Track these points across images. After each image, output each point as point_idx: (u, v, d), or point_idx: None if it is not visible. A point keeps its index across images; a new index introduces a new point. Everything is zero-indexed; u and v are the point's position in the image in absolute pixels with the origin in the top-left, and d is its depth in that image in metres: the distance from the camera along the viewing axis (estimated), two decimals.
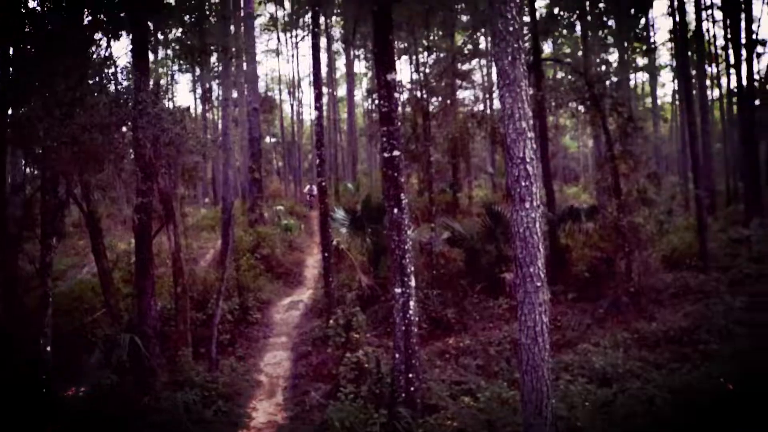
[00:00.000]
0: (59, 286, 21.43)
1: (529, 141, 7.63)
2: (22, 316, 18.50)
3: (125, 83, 14.86)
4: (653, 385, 11.51)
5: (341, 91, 57.34)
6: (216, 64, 32.28)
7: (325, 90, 39.14)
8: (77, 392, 14.21)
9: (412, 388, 11.88)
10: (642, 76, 52.94)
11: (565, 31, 37.99)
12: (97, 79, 14.52)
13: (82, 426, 12.35)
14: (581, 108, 20.45)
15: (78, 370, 17.28)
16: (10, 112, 17.21)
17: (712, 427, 9.82)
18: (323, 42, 38.76)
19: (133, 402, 13.21)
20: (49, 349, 12.42)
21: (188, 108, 40.52)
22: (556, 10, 31.59)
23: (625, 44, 37.81)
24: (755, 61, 34.00)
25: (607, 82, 22.23)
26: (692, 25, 34.39)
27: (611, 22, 34.96)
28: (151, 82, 15.24)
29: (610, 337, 14.93)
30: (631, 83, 46.41)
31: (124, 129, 14.49)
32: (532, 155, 7.66)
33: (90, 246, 20.78)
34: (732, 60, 31.63)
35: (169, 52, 32.06)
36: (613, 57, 42.01)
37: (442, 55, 28.79)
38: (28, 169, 23.53)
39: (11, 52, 13.78)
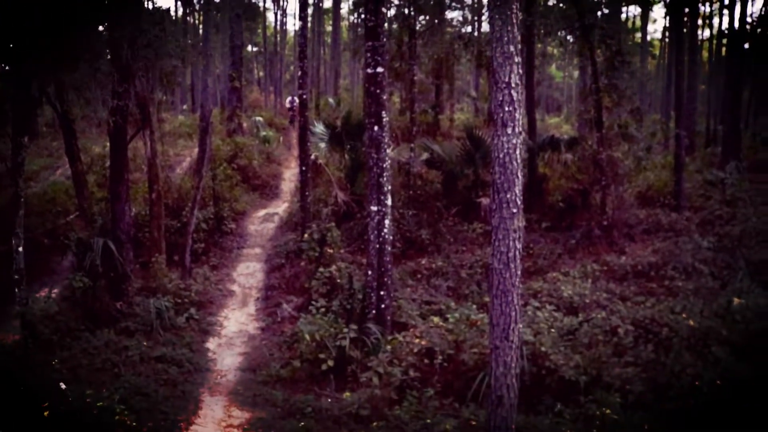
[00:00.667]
0: (32, 187, 21.20)
1: (515, 66, 7.49)
2: None
3: None
4: (618, 316, 11.80)
5: (327, 2, 55.94)
6: None
7: (309, 0, 38.10)
8: (49, 294, 14.26)
9: (382, 305, 12.06)
10: (634, 10, 52.08)
11: None
12: None
13: (53, 328, 12.44)
14: (570, 37, 20.17)
15: (50, 271, 17.34)
16: None
17: (671, 359, 10.16)
18: None
19: (106, 306, 13.29)
20: (21, 249, 12.32)
21: (168, 10, 39.45)
22: None
23: None
24: (749, 2, 33.53)
25: (599, 13, 21.88)
26: None
27: None
28: None
29: (580, 267, 15.20)
30: (623, 16, 45.70)
31: (100, 27, 14.04)
32: (517, 81, 7.53)
33: (64, 148, 20.51)
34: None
35: None
36: None
37: None
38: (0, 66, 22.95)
39: None
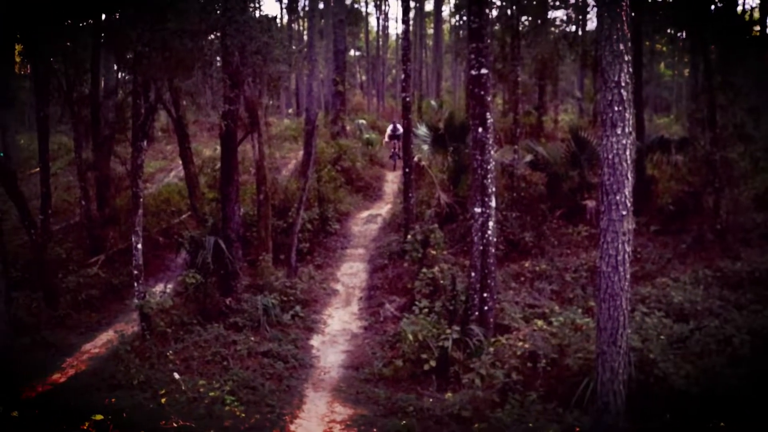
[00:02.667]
0: (148, 188, 22.34)
1: (625, 65, 7.33)
2: (114, 215, 19.47)
3: None
4: (732, 325, 11.26)
5: (428, 5, 56.02)
6: None
7: (411, 4, 38.28)
8: (164, 289, 14.97)
9: (485, 307, 12.00)
10: (751, 1, 49.55)
11: None
12: None
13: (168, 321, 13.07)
14: (681, 33, 19.40)
15: (165, 268, 18.22)
16: (103, 18, 17.64)
17: None
18: None
19: (216, 302, 13.83)
20: (140, 246, 13.00)
21: (275, 18, 40.58)
22: None
23: None
24: None
25: (712, 7, 20.96)
26: None
27: None
28: None
29: (691, 273, 14.58)
30: (738, 8, 43.53)
31: (212, 36, 14.63)
32: (627, 79, 7.37)
33: (177, 151, 21.52)
34: None
35: None
36: None
37: None
38: (120, 74, 24.29)
39: None
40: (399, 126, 23.19)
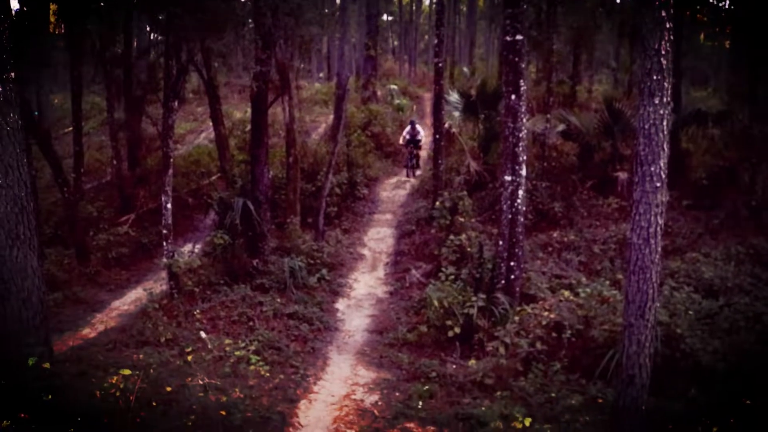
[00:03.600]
0: (178, 149, 22.47)
1: (666, 32, 7.13)
2: (145, 175, 19.65)
3: None
4: (763, 303, 11.10)
5: None
6: None
7: None
8: (192, 249, 15.10)
9: (512, 276, 11.93)
10: None
11: None
12: None
13: (195, 280, 13.20)
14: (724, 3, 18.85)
15: (194, 228, 18.39)
16: None
17: None
18: None
19: (244, 263, 13.93)
20: (169, 206, 13.09)
21: None
22: None
23: None
24: None
25: None
26: None
27: None
28: None
29: (723, 249, 14.34)
30: None
31: None
32: (667, 47, 7.17)
33: (208, 112, 21.58)
34: None
35: None
36: None
37: None
38: (152, 35, 24.32)
39: None
40: (419, 127, 21.72)
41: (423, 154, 22.74)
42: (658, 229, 7.24)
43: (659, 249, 7.27)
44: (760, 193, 16.35)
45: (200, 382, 7.81)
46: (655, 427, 8.27)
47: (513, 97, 11.77)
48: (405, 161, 21.99)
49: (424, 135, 22.08)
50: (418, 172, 21.57)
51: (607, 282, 12.17)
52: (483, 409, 8.39)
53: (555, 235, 15.65)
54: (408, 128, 21.50)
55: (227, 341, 10.30)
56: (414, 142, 21.26)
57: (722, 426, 8.01)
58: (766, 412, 8.54)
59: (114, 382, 7.03)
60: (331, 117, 23.40)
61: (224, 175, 18.97)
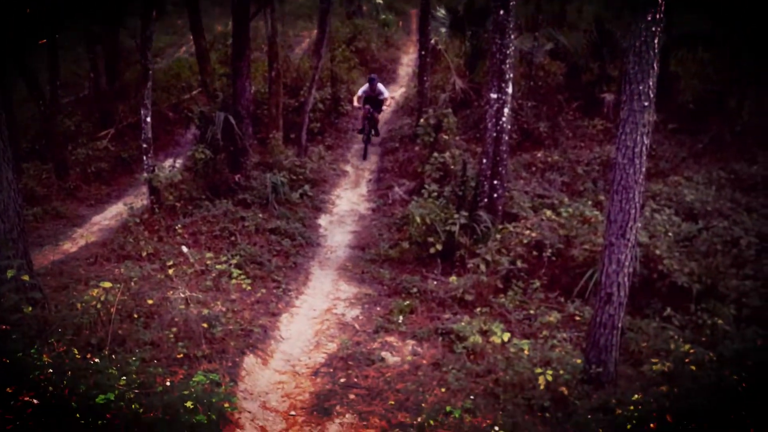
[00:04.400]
0: (158, 62, 21.88)
1: None
2: (124, 89, 19.20)
3: None
4: (741, 227, 11.22)
5: None
6: None
7: None
8: (173, 164, 14.92)
9: (495, 195, 11.92)
10: None
11: None
12: None
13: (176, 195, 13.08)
14: None
15: (174, 143, 18.12)
16: None
17: None
18: None
19: (225, 178, 13.79)
20: (149, 120, 12.83)
21: None
22: None
23: None
24: None
25: None
26: None
27: None
28: None
29: (705, 173, 14.36)
30: None
31: None
32: None
33: (188, 25, 20.92)
34: None
35: None
36: None
37: None
38: None
39: None
40: (382, 86, 16.91)
41: (409, 70, 22.17)
42: (644, 149, 7.18)
43: (643, 169, 7.23)
44: (745, 119, 16.26)
45: (181, 295, 7.82)
46: (631, 344, 8.49)
47: (501, 12, 11.48)
48: (361, 125, 17.23)
49: (389, 95, 17.45)
50: (373, 149, 17.42)
51: (590, 203, 12.23)
52: (462, 324, 8.51)
53: (539, 155, 15.58)
54: (365, 86, 16.87)
55: (208, 255, 10.30)
56: (374, 102, 16.76)
57: (695, 344, 8.22)
58: (740, 333, 8.78)
59: (95, 294, 7.01)
60: (315, 31, 22.82)
61: (205, 89, 18.52)
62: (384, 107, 17.19)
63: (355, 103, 17.10)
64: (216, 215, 12.43)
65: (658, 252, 10.14)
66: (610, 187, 7.40)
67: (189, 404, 4.69)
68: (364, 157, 16.88)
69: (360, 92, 16.84)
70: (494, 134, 11.79)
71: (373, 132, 17.17)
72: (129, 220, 12.32)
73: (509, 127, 12.17)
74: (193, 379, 5.22)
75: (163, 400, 4.94)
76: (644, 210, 11.71)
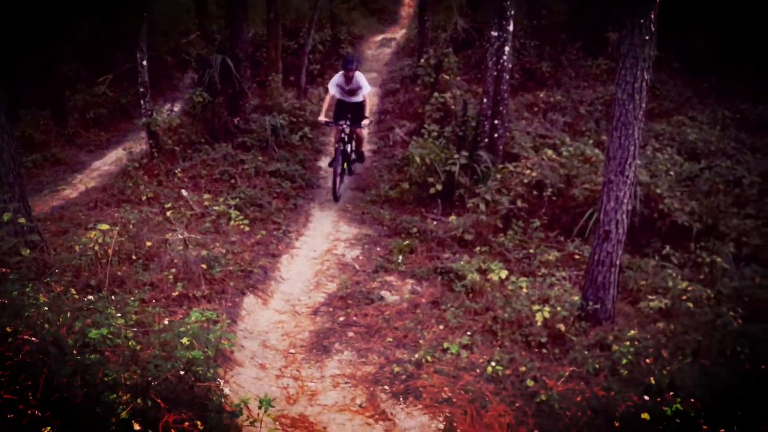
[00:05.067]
0: (156, 7, 21.49)
1: None
2: (120, 31, 18.91)
3: None
4: (744, 167, 11.12)
5: None
6: None
7: None
8: (171, 108, 14.80)
9: (495, 135, 11.82)
10: None
11: None
12: None
13: (175, 139, 13.01)
14: None
15: (173, 88, 17.96)
16: None
17: None
18: None
19: (224, 121, 13.69)
20: (145, 63, 12.67)
21: None
22: None
23: None
24: None
25: None
26: None
27: None
28: None
29: (710, 113, 14.17)
30: None
31: None
32: None
33: None
34: None
35: None
36: None
37: None
38: None
39: None
40: (362, 78, 11.40)
41: (410, 11, 21.88)
42: (644, 84, 7.07)
43: (643, 105, 7.13)
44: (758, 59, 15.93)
45: (180, 237, 7.83)
46: (629, 283, 8.52)
47: None
48: (335, 149, 11.48)
49: (370, 91, 11.78)
50: (360, 167, 12.83)
51: (591, 142, 12.13)
52: (461, 263, 8.52)
53: (541, 95, 15.39)
54: (338, 75, 11.40)
55: (207, 197, 10.29)
56: (350, 109, 11.47)
57: (693, 282, 8.26)
58: (739, 271, 8.80)
59: (92, 236, 7.02)
60: None
61: (203, 32, 18.30)
62: (364, 122, 11.29)
63: (321, 118, 11.39)
64: (215, 159, 12.38)
65: (658, 191, 10.09)
66: (610, 124, 7.31)
67: (185, 341, 4.73)
68: (335, 197, 11.43)
69: (331, 88, 11.33)
70: (495, 73, 11.63)
71: (353, 159, 12.16)
72: (128, 165, 12.28)
73: (510, 65, 11.98)
74: (190, 316, 5.25)
75: (160, 338, 4.98)
76: (646, 149, 11.62)
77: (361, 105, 11.43)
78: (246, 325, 7.19)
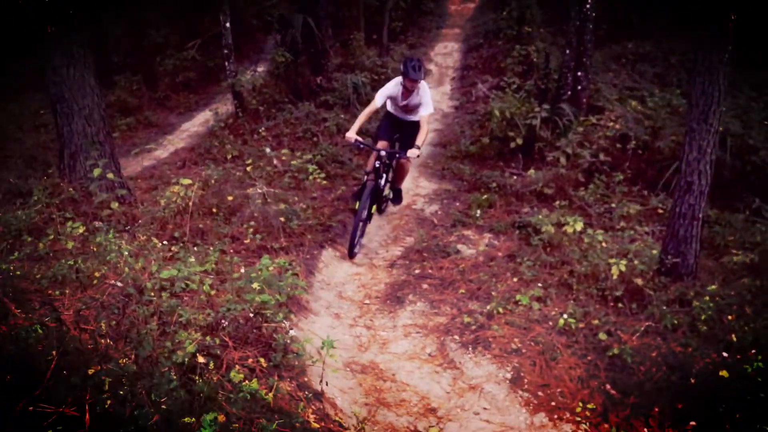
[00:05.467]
0: None
1: None
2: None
3: None
4: None
5: None
6: None
7: None
8: (255, 69, 15.09)
9: (579, 87, 11.52)
10: None
11: None
12: None
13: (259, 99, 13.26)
14: None
15: (258, 50, 18.28)
16: None
17: None
18: None
19: (307, 80, 13.87)
20: (228, 25, 12.93)
21: None
22: None
23: None
24: None
25: None
26: None
27: None
28: None
29: None
30: None
31: None
32: None
33: None
34: None
35: None
36: None
37: None
38: None
39: None
40: (425, 87, 8.12)
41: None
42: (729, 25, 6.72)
43: (729, 47, 6.79)
44: None
45: (259, 191, 8.05)
46: (717, 238, 8.21)
47: None
48: (362, 187, 8.53)
49: (430, 115, 8.23)
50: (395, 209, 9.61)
51: (679, 92, 11.63)
52: (540, 217, 8.42)
53: (630, 45, 14.84)
54: (393, 82, 8.11)
55: (284, 152, 10.52)
56: (399, 128, 8.52)
57: None
58: None
59: (176, 191, 7.33)
60: None
61: None
62: (413, 152, 7.70)
63: (351, 135, 7.76)
64: (298, 117, 12.60)
65: (751, 142, 9.62)
66: (693, 70, 7.00)
67: (256, 285, 4.91)
68: (352, 251, 8.04)
69: (379, 98, 7.96)
70: (578, 23, 11.29)
71: (390, 197, 9.03)
72: (214, 126, 12.67)
73: (593, 14, 11.59)
74: (261, 262, 5.43)
75: (235, 285, 5.19)
76: (738, 98, 11.07)
77: (415, 126, 8.13)
78: (323, 276, 7.37)
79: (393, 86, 8.00)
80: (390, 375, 5.46)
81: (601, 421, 5.33)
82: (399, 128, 8.41)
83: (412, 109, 8.24)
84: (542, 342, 5.89)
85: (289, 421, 3.31)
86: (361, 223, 8.01)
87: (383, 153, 8.02)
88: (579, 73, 11.48)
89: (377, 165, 8.06)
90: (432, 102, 8.17)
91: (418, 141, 7.77)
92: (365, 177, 8.29)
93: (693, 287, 6.82)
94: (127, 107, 14.71)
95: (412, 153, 7.67)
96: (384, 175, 8.29)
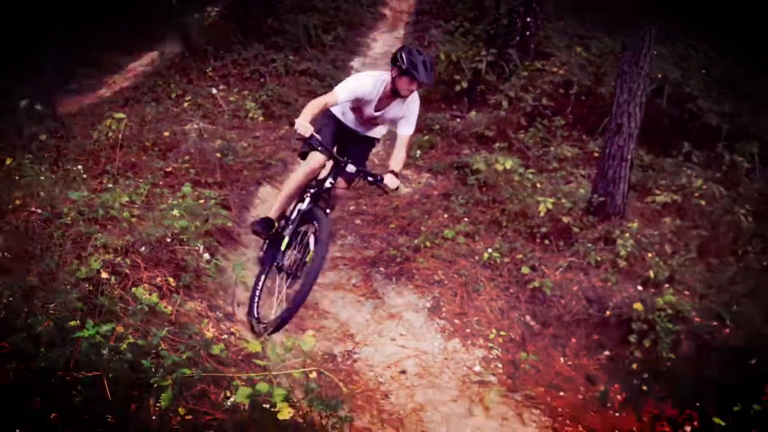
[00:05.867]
0: None
1: None
2: None
3: None
4: None
5: None
6: None
7: None
8: (210, 12, 14.79)
9: (527, 33, 11.51)
10: None
11: None
12: None
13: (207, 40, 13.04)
14: None
15: None
16: None
17: None
18: None
19: (257, 21, 13.63)
20: None
21: None
22: None
23: None
24: None
25: None
26: None
27: None
28: None
29: None
30: None
31: None
32: None
33: None
34: None
35: None
36: None
37: None
38: None
39: None
40: (415, 107, 5.54)
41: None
42: None
43: None
44: None
45: (195, 127, 8.02)
46: (648, 181, 8.42)
47: None
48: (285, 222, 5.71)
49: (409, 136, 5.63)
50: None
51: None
52: (477, 157, 8.52)
53: None
54: (373, 78, 5.44)
55: (231, 92, 10.43)
56: (357, 144, 5.95)
57: (707, 179, 8.12)
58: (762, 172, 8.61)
59: (108, 124, 7.26)
60: None
61: None
62: (392, 182, 5.35)
63: (302, 123, 4.96)
64: (247, 58, 12.43)
65: (689, 90, 9.80)
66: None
67: (176, 212, 4.95)
68: (255, 315, 4.99)
69: (340, 93, 5.29)
70: None
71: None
72: (160, 65, 12.46)
73: None
74: (182, 189, 5.45)
75: (158, 213, 5.22)
76: (677, 46, 11.22)
77: (368, 145, 6.04)
78: (258, 212, 7.40)
79: (370, 85, 5.37)
80: (313, 304, 5.58)
81: (517, 350, 5.54)
82: (343, 141, 5.86)
83: (380, 123, 5.77)
84: (466, 275, 6.05)
85: (184, 332, 3.40)
86: (268, 271, 5.30)
87: (351, 170, 5.33)
88: (528, 19, 11.48)
89: (318, 188, 5.54)
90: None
91: (396, 166, 5.42)
92: (294, 203, 5.76)
93: (619, 226, 7.01)
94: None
95: (392, 182, 5.31)
96: (322, 204, 5.48)
